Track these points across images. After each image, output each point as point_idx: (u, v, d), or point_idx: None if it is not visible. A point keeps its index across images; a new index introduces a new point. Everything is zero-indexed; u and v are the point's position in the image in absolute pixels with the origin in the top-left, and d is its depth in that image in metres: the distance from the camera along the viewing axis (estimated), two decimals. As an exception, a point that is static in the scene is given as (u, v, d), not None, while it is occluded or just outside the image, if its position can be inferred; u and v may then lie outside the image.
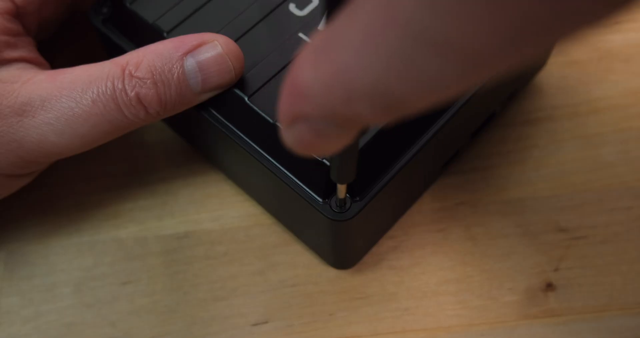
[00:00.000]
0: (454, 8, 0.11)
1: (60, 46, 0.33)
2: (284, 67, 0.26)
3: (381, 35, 0.12)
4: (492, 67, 0.12)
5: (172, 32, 0.27)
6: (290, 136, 0.16)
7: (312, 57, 0.14)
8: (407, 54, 0.12)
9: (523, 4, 0.11)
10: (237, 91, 0.25)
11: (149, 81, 0.24)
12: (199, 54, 0.24)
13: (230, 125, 0.26)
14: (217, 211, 0.30)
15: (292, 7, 0.27)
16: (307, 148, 0.16)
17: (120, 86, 0.24)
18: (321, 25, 0.26)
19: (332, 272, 0.29)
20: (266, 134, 0.25)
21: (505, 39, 0.11)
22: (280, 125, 0.16)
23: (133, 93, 0.24)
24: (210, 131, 0.27)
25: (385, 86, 0.13)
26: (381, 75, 0.13)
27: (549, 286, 0.28)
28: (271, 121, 0.25)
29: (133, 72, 0.24)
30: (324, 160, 0.24)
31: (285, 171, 0.25)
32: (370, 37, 0.12)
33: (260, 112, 0.25)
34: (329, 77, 0.14)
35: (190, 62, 0.24)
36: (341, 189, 0.23)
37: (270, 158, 0.25)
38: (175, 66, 0.24)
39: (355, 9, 0.13)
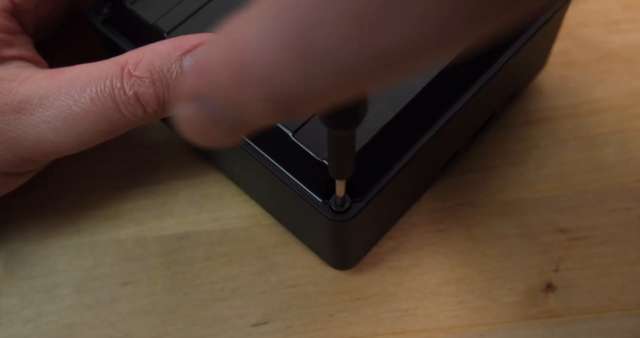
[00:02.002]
0: None
1: (59, 45, 0.33)
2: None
3: (280, 12, 0.12)
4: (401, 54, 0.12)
5: (172, 33, 0.27)
6: (183, 115, 0.15)
7: (218, 36, 0.13)
8: (303, 30, 0.12)
9: None
10: (237, 92, 0.25)
11: (147, 80, 0.24)
12: (198, 54, 0.24)
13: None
14: (217, 212, 0.30)
15: (292, 8, 0.27)
16: (195, 132, 0.15)
17: (118, 84, 0.24)
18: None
19: (332, 273, 0.29)
20: (266, 134, 0.25)
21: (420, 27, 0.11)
22: (178, 98, 0.15)
23: (131, 92, 0.24)
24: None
25: (279, 69, 0.12)
26: (274, 55, 0.12)
27: (549, 287, 0.28)
28: (271, 121, 0.25)
29: (132, 71, 0.24)
30: (324, 160, 0.24)
31: (285, 172, 0.25)
32: (267, 14, 0.12)
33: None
34: (225, 54, 0.13)
35: (189, 62, 0.24)
36: (340, 186, 0.23)
37: (270, 159, 0.25)
38: (174, 66, 0.24)
39: None
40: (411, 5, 0.11)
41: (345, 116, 0.17)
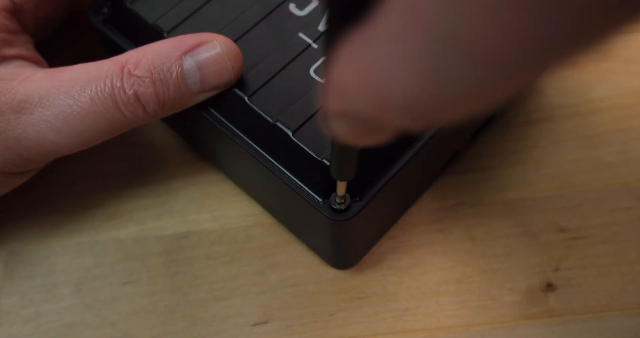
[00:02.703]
0: (479, 6, 0.11)
1: (59, 45, 0.33)
2: (284, 67, 0.26)
3: (407, 42, 0.12)
4: (524, 75, 0.12)
5: (172, 32, 0.27)
6: (337, 130, 0.16)
7: (346, 57, 0.14)
8: (434, 61, 0.12)
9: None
10: (237, 91, 0.25)
11: (147, 80, 0.24)
12: (198, 54, 0.24)
13: (230, 125, 0.26)
14: (217, 211, 0.30)
15: (292, 7, 0.27)
16: (353, 140, 0.16)
17: (118, 84, 0.24)
18: (321, 26, 0.26)
19: (332, 272, 0.29)
20: (266, 134, 0.25)
21: (536, 43, 0.11)
22: (327, 117, 0.16)
23: (131, 91, 0.24)
24: (210, 131, 0.27)
25: (415, 96, 0.13)
26: (409, 85, 0.13)
27: (549, 287, 0.28)
28: (271, 120, 0.25)
29: (132, 70, 0.24)
30: (324, 160, 0.24)
31: (285, 171, 0.25)
32: (397, 46, 0.12)
33: (260, 112, 0.25)
34: (360, 83, 0.13)
35: (189, 62, 0.24)
36: (341, 187, 0.23)
37: (270, 158, 0.25)
38: (174, 65, 0.24)
39: (383, 12, 0.13)
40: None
41: None
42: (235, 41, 0.26)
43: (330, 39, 0.14)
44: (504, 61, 0.11)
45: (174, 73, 0.24)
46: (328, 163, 0.24)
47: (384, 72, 0.13)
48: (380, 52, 0.13)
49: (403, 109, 0.13)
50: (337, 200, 0.24)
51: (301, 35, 0.26)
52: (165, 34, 0.27)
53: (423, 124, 0.14)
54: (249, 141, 0.25)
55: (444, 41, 0.11)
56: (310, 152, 0.24)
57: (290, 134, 0.24)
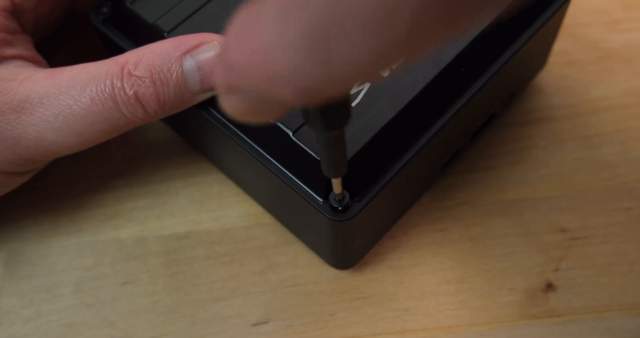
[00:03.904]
0: None
1: (59, 45, 0.33)
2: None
3: (289, 13, 0.12)
4: (408, 44, 0.12)
5: (172, 32, 0.27)
6: (227, 105, 0.16)
7: (237, 33, 0.14)
8: (316, 32, 0.12)
9: None
10: (237, 91, 0.25)
11: (147, 80, 0.24)
12: (198, 54, 0.24)
13: (231, 125, 0.26)
14: (217, 211, 0.30)
15: (292, 7, 0.27)
16: (243, 116, 0.16)
17: (118, 84, 0.24)
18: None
19: (332, 272, 0.29)
20: (266, 133, 0.25)
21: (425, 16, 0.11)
22: (218, 92, 0.16)
23: (131, 92, 0.24)
24: (211, 131, 0.27)
25: (301, 68, 0.13)
26: (295, 57, 0.13)
27: (549, 287, 0.28)
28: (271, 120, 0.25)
29: (132, 70, 0.24)
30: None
31: (286, 171, 0.25)
32: (280, 17, 0.12)
33: (260, 112, 0.25)
34: (250, 55, 0.14)
35: (189, 62, 0.24)
36: (336, 184, 0.23)
37: (270, 158, 0.25)
38: (174, 66, 0.24)
39: None
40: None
41: (331, 117, 0.17)
42: (235, 41, 0.26)
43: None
44: (386, 28, 0.12)
45: (174, 73, 0.24)
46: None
47: (270, 46, 0.13)
48: (266, 26, 0.13)
49: (291, 83, 0.13)
50: (335, 198, 0.24)
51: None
52: (165, 34, 0.27)
53: (312, 97, 0.14)
54: (249, 141, 0.25)
55: (329, 10, 0.12)
56: (310, 152, 0.24)
57: (290, 134, 0.24)
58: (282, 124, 0.25)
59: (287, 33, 0.13)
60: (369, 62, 0.13)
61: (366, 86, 0.25)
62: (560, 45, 0.34)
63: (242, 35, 0.14)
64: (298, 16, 0.12)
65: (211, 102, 0.26)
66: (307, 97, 0.14)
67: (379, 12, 0.11)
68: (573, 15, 0.35)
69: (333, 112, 0.17)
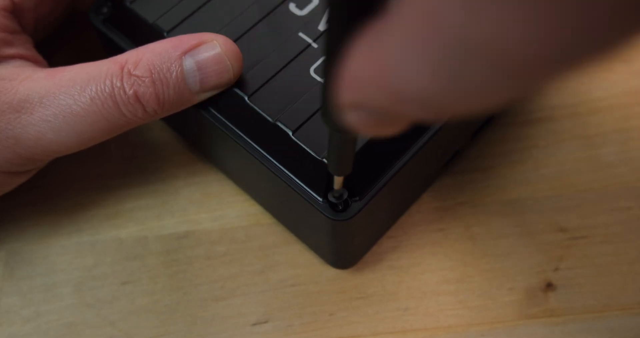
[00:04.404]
0: (496, 12, 0.11)
1: (59, 45, 0.33)
2: (284, 67, 0.26)
3: (422, 41, 0.12)
4: (540, 77, 0.12)
5: (172, 32, 0.27)
6: (350, 120, 0.16)
7: (362, 50, 0.14)
8: (449, 61, 0.12)
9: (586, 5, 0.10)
10: (237, 91, 0.25)
11: (147, 80, 0.24)
12: (197, 54, 0.24)
13: (231, 125, 0.26)
14: (217, 211, 0.30)
15: (292, 7, 0.27)
16: (367, 131, 0.16)
17: (118, 84, 0.24)
18: (322, 25, 0.26)
19: (332, 272, 0.29)
20: (266, 133, 0.25)
21: (555, 47, 0.11)
22: (340, 108, 0.16)
23: (131, 91, 0.24)
24: (211, 131, 0.27)
25: (431, 93, 0.13)
26: (426, 83, 0.13)
27: (549, 286, 0.28)
28: (271, 120, 0.25)
29: (132, 70, 0.24)
30: (324, 159, 0.24)
31: (285, 171, 0.25)
32: (413, 45, 0.12)
33: (261, 111, 0.25)
34: (376, 77, 0.14)
35: (189, 62, 0.24)
36: (338, 181, 0.23)
37: (270, 158, 0.25)
38: (173, 65, 0.24)
39: (400, 8, 0.13)
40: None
41: None
42: (235, 41, 0.26)
43: (337, 33, 0.14)
44: (518, 63, 0.12)
45: (174, 73, 0.24)
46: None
47: (398, 68, 0.13)
48: (396, 48, 0.13)
49: (417, 103, 0.13)
50: (334, 194, 0.24)
51: (301, 35, 0.26)
52: (165, 34, 0.27)
53: (437, 116, 0.14)
54: (249, 141, 0.25)
55: (459, 43, 0.12)
56: (310, 151, 0.24)
57: (290, 133, 0.24)
58: (282, 123, 0.25)
59: (418, 57, 0.12)
60: (498, 92, 0.12)
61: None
62: (560, 45, 0.34)
63: (368, 52, 0.14)
64: (431, 42, 0.12)
65: (211, 102, 0.26)
66: (432, 115, 0.14)
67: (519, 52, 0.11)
68: (573, 15, 0.35)
69: None
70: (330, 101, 0.16)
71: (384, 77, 0.13)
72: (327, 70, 0.16)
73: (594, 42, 0.11)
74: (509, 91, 0.13)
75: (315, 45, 0.26)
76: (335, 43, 0.14)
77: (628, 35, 0.11)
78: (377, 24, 0.13)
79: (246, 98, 0.25)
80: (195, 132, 0.29)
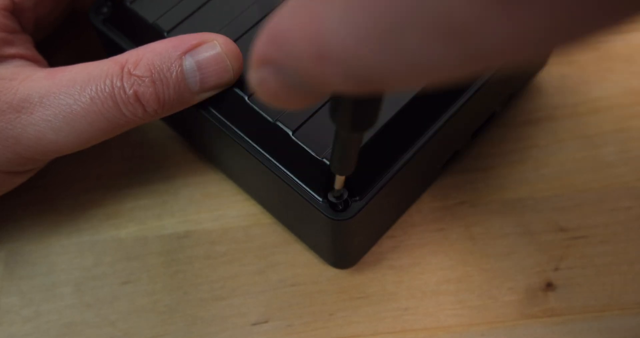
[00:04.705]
0: None
1: (59, 44, 0.33)
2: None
3: (369, 7, 0.11)
4: (480, 47, 0.11)
5: (172, 32, 0.27)
6: (256, 79, 0.15)
7: (294, 4, 0.13)
8: (394, 24, 0.11)
9: None
10: (237, 91, 0.25)
11: (147, 79, 0.24)
12: (198, 54, 0.24)
13: (231, 124, 0.26)
14: (217, 211, 0.30)
15: (292, 7, 0.27)
16: (268, 95, 0.15)
17: (118, 83, 0.24)
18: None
19: (332, 272, 0.29)
20: (266, 133, 0.25)
21: (501, 10, 0.10)
22: (250, 66, 0.15)
23: (131, 91, 0.24)
24: (211, 131, 0.27)
25: (362, 56, 0.12)
26: (359, 43, 0.12)
27: (549, 286, 0.28)
28: (271, 120, 0.25)
29: (132, 70, 0.24)
30: (324, 159, 0.24)
31: (285, 171, 0.25)
32: (358, 5, 0.12)
33: (261, 111, 0.25)
34: (304, 29, 0.13)
35: (189, 62, 0.24)
36: (339, 181, 0.23)
37: (270, 157, 0.25)
38: (174, 65, 0.24)
39: None
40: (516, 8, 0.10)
41: (362, 119, 0.17)
42: (235, 41, 0.26)
43: None
44: (458, 27, 0.11)
45: (174, 73, 0.24)
46: (328, 162, 0.24)
47: (334, 23, 0.12)
48: (336, 3, 0.12)
49: (344, 67, 0.12)
50: (334, 194, 0.24)
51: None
52: (165, 34, 0.27)
53: (359, 88, 0.13)
54: (249, 141, 0.25)
55: (413, 17, 0.11)
56: (310, 151, 0.24)
57: (290, 133, 0.24)
58: (282, 123, 0.25)
59: (352, 19, 0.12)
60: (442, 68, 0.12)
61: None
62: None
63: (300, 8, 0.13)
64: (368, 5, 0.11)
65: (211, 102, 0.26)
66: (354, 86, 0.13)
67: (460, 25, 0.10)
68: (573, 15, 0.35)
69: (363, 114, 0.17)
70: (346, 100, 0.16)
71: (316, 32, 0.12)
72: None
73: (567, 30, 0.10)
74: (446, 63, 0.11)
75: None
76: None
77: (604, 27, 0.10)
78: None
79: (246, 98, 0.25)
80: (195, 132, 0.29)
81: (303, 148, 0.24)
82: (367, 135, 0.24)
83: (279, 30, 0.14)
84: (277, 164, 0.25)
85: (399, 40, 0.11)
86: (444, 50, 0.11)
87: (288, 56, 0.14)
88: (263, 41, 0.14)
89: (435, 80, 0.12)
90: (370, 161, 0.24)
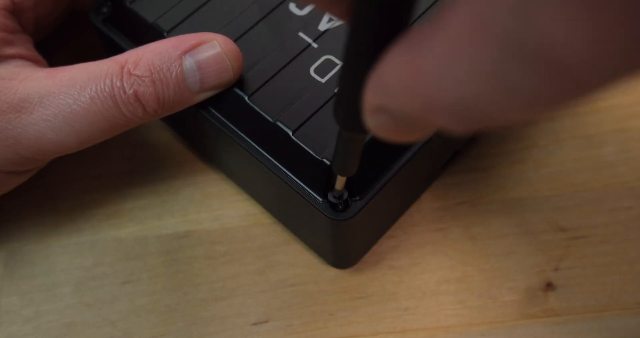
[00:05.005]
0: (549, 14, 0.10)
1: (59, 44, 0.33)
2: (284, 67, 0.26)
3: (471, 48, 0.12)
4: (592, 85, 0.11)
5: (172, 32, 0.27)
6: (372, 123, 0.16)
7: (399, 55, 0.14)
8: (497, 69, 0.12)
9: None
10: (238, 91, 0.25)
11: (147, 79, 0.24)
12: (197, 53, 0.24)
13: (231, 124, 0.26)
14: (217, 211, 0.30)
15: (292, 7, 0.27)
16: (387, 136, 0.16)
17: (118, 83, 0.24)
18: (322, 25, 0.26)
19: (332, 272, 0.29)
20: (266, 133, 0.25)
21: (611, 53, 0.10)
22: (364, 110, 0.16)
23: (131, 91, 0.24)
24: (211, 131, 0.27)
25: (468, 101, 0.12)
26: (465, 91, 0.12)
27: (549, 286, 0.28)
28: (271, 120, 0.25)
29: (132, 70, 0.24)
30: (324, 159, 0.24)
31: (285, 171, 0.25)
32: (457, 50, 0.12)
33: (261, 111, 0.25)
34: (410, 83, 0.13)
35: (188, 61, 0.24)
36: (340, 181, 0.23)
37: (270, 157, 0.25)
38: (173, 65, 0.24)
39: (445, 13, 0.12)
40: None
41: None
42: (235, 41, 0.26)
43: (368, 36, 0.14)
44: (576, 73, 0.11)
45: (174, 73, 0.24)
46: (328, 163, 0.24)
47: (438, 74, 0.13)
48: (437, 54, 0.12)
49: (451, 113, 0.13)
50: (334, 194, 0.24)
51: (301, 35, 0.26)
52: (165, 34, 0.27)
53: (468, 127, 0.13)
54: (249, 141, 0.25)
55: (513, 50, 0.11)
56: (310, 151, 0.24)
57: (290, 133, 0.24)
58: (282, 123, 0.25)
59: (457, 66, 0.12)
60: (545, 103, 0.12)
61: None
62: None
63: (405, 57, 0.13)
64: (481, 50, 0.11)
65: (211, 102, 0.26)
66: (463, 127, 0.13)
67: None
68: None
69: None
70: (351, 101, 0.16)
71: (419, 84, 0.13)
72: (353, 70, 0.15)
73: None
74: (557, 98, 0.12)
75: (315, 45, 0.26)
76: (366, 47, 0.14)
77: None
78: (416, 32, 0.13)
79: (246, 98, 0.25)
80: (195, 132, 0.29)
81: (303, 148, 0.24)
82: (368, 135, 0.24)
83: (383, 83, 0.14)
84: (277, 164, 0.25)
85: (504, 84, 0.12)
86: (545, 87, 0.11)
87: (396, 105, 0.14)
88: (371, 90, 0.15)
89: (543, 112, 0.13)
90: (370, 161, 0.24)
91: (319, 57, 0.26)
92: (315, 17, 0.27)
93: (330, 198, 0.24)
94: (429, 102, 0.13)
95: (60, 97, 0.24)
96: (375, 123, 0.16)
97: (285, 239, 0.29)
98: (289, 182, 0.25)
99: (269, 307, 0.28)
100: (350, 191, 0.24)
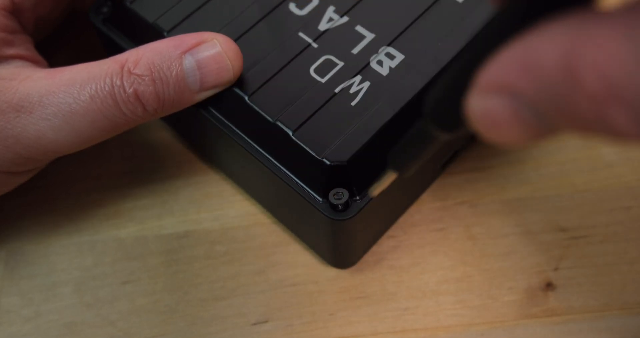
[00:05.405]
0: None
1: (59, 45, 0.33)
2: (284, 67, 0.26)
3: None
4: None
5: (172, 32, 0.27)
6: (479, 106, 0.13)
7: (565, 33, 0.11)
8: None
9: None
10: (238, 90, 0.25)
11: (147, 78, 0.24)
12: (198, 53, 0.24)
13: (231, 124, 0.26)
14: (217, 211, 0.30)
15: (292, 7, 0.27)
16: (489, 125, 0.13)
17: (118, 82, 0.24)
18: (322, 25, 0.26)
19: (332, 272, 0.29)
20: (266, 133, 0.25)
21: None
22: (474, 89, 0.13)
23: (131, 90, 0.24)
24: (211, 130, 0.27)
25: None
26: None
27: (549, 286, 0.28)
28: (271, 120, 0.25)
29: (132, 69, 0.24)
30: (324, 159, 0.24)
31: (285, 170, 0.25)
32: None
33: (261, 111, 0.25)
34: (565, 67, 0.11)
35: (189, 61, 0.24)
36: (387, 181, 0.21)
37: (270, 157, 0.25)
38: (174, 64, 0.24)
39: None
40: None
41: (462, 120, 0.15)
42: (235, 40, 0.26)
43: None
44: None
45: (174, 72, 0.24)
46: (328, 162, 0.24)
47: (635, 61, 0.11)
48: (621, 61, 0.11)
49: (635, 109, 0.11)
50: (334, 194, 0.24)
51: (301, 34, 0.26)
52: (165, 34, 0.27)
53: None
54: (249, 141, 0.25)
55: None
56: (310, 151, 0.24)
57: (290, 133, 0.24)
58: (282, 123, 0.25)
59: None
60: None
61: (365, 86, 0.25)
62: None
63: (579, 38, 0.11)
64: None
65: (211, 102, 0.26)
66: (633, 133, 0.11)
67: None
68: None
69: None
70: (458, 83, 0.14)
71: (603, 69, 0.11)
72: (480, 45, 0.13)
73: None
74: None
75: (315, 45, 0.26)
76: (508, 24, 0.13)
77: None
78: (583, 13, 0.11)
79: (246, 98, 0.25)
80: (195, 132, 0.29)
81: (303, 148, 0.24)
82: (367, 135, 0.24)
83: (537, 59, 0.12)
84: (277, 164, 0.25)
85: None
86: None
87: (543, 89, 0.12)
88: (506, 66, 0.12)
89: None
90: (370, 161, 0.24)
91: (319, 57, 0.26)
92: (315, 17, 0.27)
93: (330, 198, 0.24)
94: (616, 91, 0.11)
95: (60, 96, 0.24)
96: (484, 107, 0.13)
97: (285, 239, 0.29)
98: (289, 182, 0.25)
99: (269, 307, 0.28)
100: (350, 191, 0.24)
